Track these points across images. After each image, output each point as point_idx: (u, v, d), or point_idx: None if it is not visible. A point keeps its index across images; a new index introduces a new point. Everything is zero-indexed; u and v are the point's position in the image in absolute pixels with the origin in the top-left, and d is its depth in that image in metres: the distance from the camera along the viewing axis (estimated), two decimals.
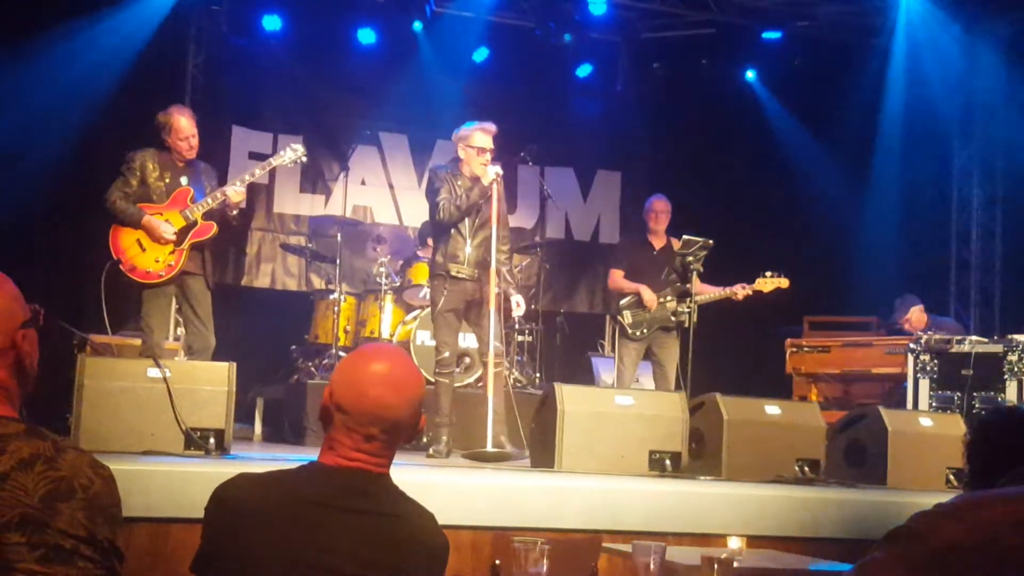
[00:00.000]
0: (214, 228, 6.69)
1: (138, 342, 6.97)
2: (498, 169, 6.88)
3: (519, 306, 7.28)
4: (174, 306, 7.15)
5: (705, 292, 7.97)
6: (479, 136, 6.99)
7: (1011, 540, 1.13)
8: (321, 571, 2.19)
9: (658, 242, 8.38)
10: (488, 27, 11.35)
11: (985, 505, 1.19)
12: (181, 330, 7.40)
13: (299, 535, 2.21)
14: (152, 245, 6.55)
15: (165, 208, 6.62)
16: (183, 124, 6.67)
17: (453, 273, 6.88)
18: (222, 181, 7.31)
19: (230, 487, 2.31)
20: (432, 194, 6.99)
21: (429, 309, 8.74)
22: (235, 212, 6.82)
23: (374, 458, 2.31)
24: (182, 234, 6.60)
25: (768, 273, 8.07)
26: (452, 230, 6.91)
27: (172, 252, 6.57)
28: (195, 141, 6.74)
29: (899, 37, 10.81)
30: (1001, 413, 2.94)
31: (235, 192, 6.69)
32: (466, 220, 6.90)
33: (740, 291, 8.04)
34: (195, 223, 6.63)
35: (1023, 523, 1.15)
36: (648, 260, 8.32)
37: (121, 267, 6.50)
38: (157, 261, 6.54)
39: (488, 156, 6.95)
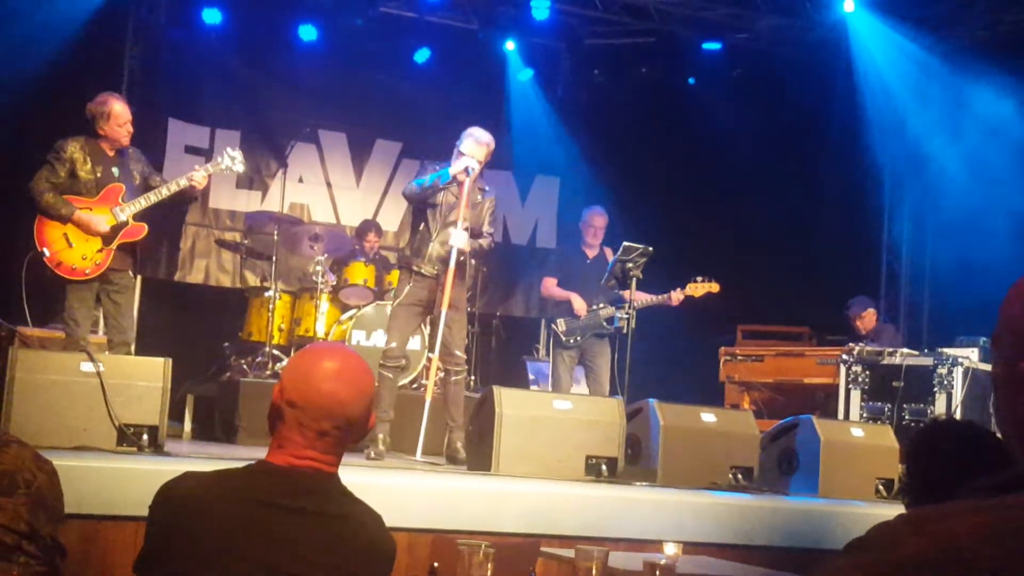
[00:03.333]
0: (144, 230, 6.58)
1: (62, 335, 6.82)
2: (471, 163, 6.73)
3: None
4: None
5: (640, 299, 8.05)
6: (467, 143, 6.85)
7: (976, 551, 1.13)
8: (270, 571, 2.16)
9: (592, 252, 8.52)
10: (430, 28, 11.32)
11: (948, 518, 1.19)
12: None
13: (248, 535, 2.18)
14: (80, 241, 6.39)
15: (95, 204, 6.46)
16: (119, 110, 6.53)
17: (415, 268, 6.84)
18: (153, 164, 7.21)
19: (177, 485, 2.26)
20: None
21: (365, 309, 8.78)
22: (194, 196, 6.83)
23: (324, 456, 2.29)
24: (112, 233, 6.46)
25: (699, 278, 8.23)
26: (421, 225, 6.88)
27: (100, 250, 6.42)
28: (131, 127, 6.62)
29: (837, 50, 10.95)
30: (945, 426, 2.97)
31: (163, 193, 6.57)
32: (435, 216, 6.82)
33: (676, 295, 8.16)
34: (125, 223, 6.51)
35: (989, 534, 1.15)
36: (581, 270, 8.46)
37: (46, 260, 6.34)
38: (84, 258, 6.40)
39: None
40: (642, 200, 11.11)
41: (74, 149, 6.46)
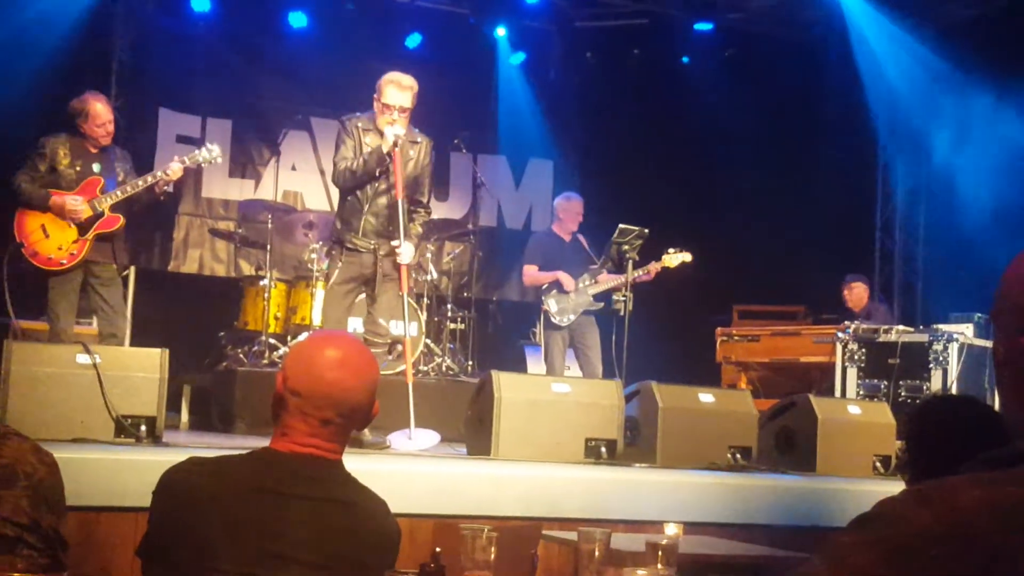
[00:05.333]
0: (120, 221, 6.60)
1: (46, 326, 6.83)
2: (397, 131, 6.07)
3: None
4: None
5: (613, 280, 8.09)
6: (389, 91, 6.17)
7: (982, 526, 1.13)
8: (274, 558, 2.16)
9: (566, 236, 8.53)
10: (421, 13, 11.28)
11: (955, 491, 1.19)
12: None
13: (252, 521, 2.17)
14: (56, 231, 6.43)
15: (73, 196, 6.51)
16: (99, 110, 6.55)
17: (348, 244, 6.31)
18: (139, 165, 7.18)
19: (179, 471, 2.26)
20: (335, 149, 6.33)
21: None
22: (166, 189, 6.67)
23: (328, 443, 2.29)
24: (87, 224, 6.48)
25: (671, 250, 8.22)
26: (350, 195, 6.31)
27: (75, 241, 6.45)
28: (111, 127, 6.66)
29: (830, 30, 10.95)
30: (945, 401, 2.97)
31: (138, 184, 6.56)
32: (367, 185, 6.28)
33: (653, 266, 8.15)
34: (102, 214, 6.52)
35: (994, 508, 1.15)
36: (561, 252, 8.50)
37: (23, 251, 6.38)
38: (60, 248, 6.43)
39: (394, 115, 6.14)
40: (636, 181, 11.10)
41: (56, 145, 6.52)
